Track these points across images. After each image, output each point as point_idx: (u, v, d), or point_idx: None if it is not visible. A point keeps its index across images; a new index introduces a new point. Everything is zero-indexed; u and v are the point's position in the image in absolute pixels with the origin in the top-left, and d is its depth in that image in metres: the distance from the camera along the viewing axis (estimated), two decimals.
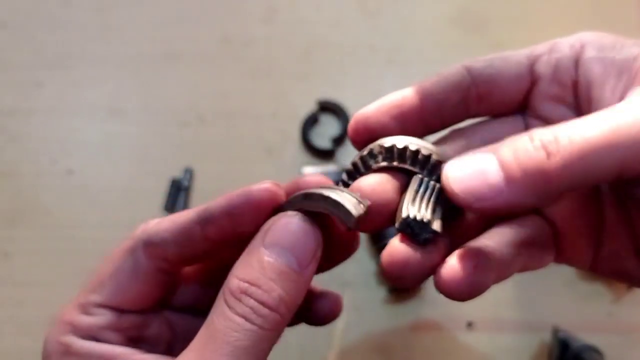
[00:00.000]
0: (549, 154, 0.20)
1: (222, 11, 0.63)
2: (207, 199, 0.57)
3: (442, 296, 0.56)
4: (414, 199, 0.25)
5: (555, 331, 0.50)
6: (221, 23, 0.62)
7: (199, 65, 0.61)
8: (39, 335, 0.53)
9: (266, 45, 0.62)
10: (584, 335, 0.49)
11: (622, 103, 0.20)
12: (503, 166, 0.21)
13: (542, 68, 0.23)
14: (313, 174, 0.27)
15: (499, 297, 0.54)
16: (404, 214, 0.25)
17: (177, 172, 0.57)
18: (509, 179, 0.21)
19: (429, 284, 0.54)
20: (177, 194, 0.56)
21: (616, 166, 0.20)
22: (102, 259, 0.26)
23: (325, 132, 0.59)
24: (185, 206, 0.56)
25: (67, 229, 0.56)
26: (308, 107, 0.59)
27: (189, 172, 0.57)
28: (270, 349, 0.23)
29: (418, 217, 0.24)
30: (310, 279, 0.23)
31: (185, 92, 0.60)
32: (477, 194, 0.21)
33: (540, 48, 0.24)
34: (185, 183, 0.57)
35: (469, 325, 0.53)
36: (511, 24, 0.62)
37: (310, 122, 0.58)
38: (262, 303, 0.22)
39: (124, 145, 0.59)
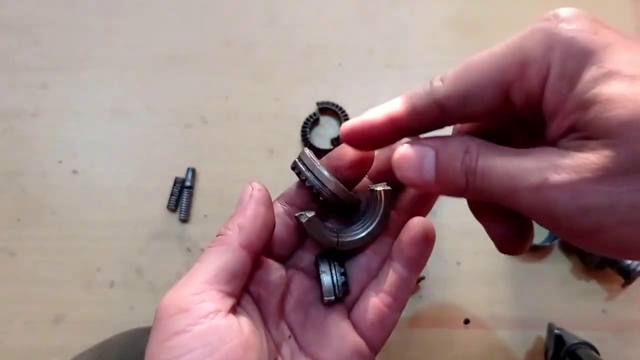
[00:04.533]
0: (467, 182, 0.24)
1: (225, 15, 0.64)
2: (210, 198, 0.58)
3: (439, 294, 0.57)
4: None
5: (551, 328, 0.51)
6: (224, 27, 0.63)
7: (202, 68, 0.62)
8: (44, 333, 0.54)
9: (267, 49, 0.62)
10: (578, 332, 0.50)
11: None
12: (437, 169, 0.25)
13: (516, 97, 0.24)
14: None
15: (496, 294, 0.55)
16: None
17: (180, 172, 0.58)
18: (438, 181, 0.25)
19: (428, 282, 0.54)
20: (181, 194, 0.57)
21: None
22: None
23: (325, 132, 0.60)
24: (188, 206, 0.57)
25: (72, 228, 0.57)
26: (308, 108, 0.60)
27: (192, 172, 0.58)
28: (231, 264, 0.27)
29: None
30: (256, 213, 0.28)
31: (189, 94, 0.61)
32: (412, 182, 0.26)
33: (512, 68, 0.25)
34: (189, 183, 0.57)
35: (466, 322, 0.54)
36: (507, 27, 0.62)
37: (311, 123, 0.59)
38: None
39: (128, 145, 0.60)
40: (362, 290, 0.31)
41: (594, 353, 0.47)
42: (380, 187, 0.30)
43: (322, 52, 0.62)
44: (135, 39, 0.63)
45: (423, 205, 0.32)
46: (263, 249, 0.29)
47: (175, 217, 0.57)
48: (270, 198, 0.29)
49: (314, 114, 0.59)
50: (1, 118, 0.60)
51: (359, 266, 0.32)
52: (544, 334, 0.52)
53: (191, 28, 0.63)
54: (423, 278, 0.54)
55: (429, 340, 0.54)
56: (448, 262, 0.56)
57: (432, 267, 0.55)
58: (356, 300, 0.31)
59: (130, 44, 0.63)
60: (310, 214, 0.29)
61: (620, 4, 0.63)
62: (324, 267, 0.30)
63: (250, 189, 0.29)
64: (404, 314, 0.54)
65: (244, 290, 0.29)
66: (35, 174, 0.59)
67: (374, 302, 0.30)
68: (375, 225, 0.31)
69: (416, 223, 0.30)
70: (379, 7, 0.64)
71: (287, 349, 0.30)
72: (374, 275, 0.31)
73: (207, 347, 0.24)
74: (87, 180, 0.58)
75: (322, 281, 0.30)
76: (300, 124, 0.59)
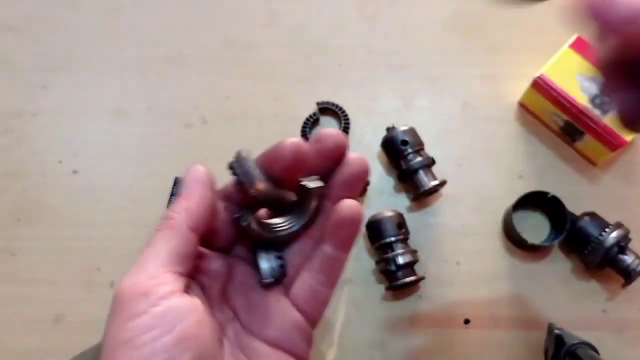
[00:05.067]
0: None
1: (224, 15, 0.64)
2: None
3: (439, 294, 0.58)
4: None
5: (551, 328, 0.51)
6: (223, 27, 0.63)
7: (202, 68, 0.62)
8: (45, 333, 0.54)
9: (267, 48, 0.63)
10: (578, 332, 0.50)
11: None
12: None
13: None
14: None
15: (495, 294, 0.55)
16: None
17: (180, 172, 0.58)
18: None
19: (428, 282, 0.54)
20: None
21: None
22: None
23: None
24: None
25: (72, 228, 0.57)
26: (308, 108, 0.60)
27: None
28: (177, 247, 0.29)
29: None
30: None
31: (188, 94, 0.61)
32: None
33: None
34: None
35: (466, 322, 0.54)
36: (507, 27, 0.62)
37: (311, 123, 0.59)
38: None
39: (128, 145, 0.60)
40: (298, 272, 0.33)
41: (594, 353, 0.47)
42: (311, 184, 0.31)
43: (322, 52, 0.62)
44: (135, 39, 0.63)
45: (351, 191, 0.33)
46: (208, 231, 0.30)
47: None
48: (214, 182, 0.31)
49: (314, 114, 0.59)
50: (1, 118, 0.61)
51: (294, 250, 0.34)
52: (543, 334, 0.52)
53: (191, 28, 0.63)
54: (423, 278, 0.54)
55: (429, 340, 0.54)
56: (448, 262, 0.56)
57: (432, 267, 0.55)
58: (293, 281, 0.33)
59: (130, 44, 0.63)
60: (248, 217, 0.31)
61: None
62: (261, 254, 0.33)
63: (197, 171, 0.31)
64: (404, 313, 0.54)
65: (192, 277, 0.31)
66: (35, 174, 0.59)
67: (308, 281, 0.32)
68: (308, 220, 0.33)
69: (343, 207, 0.31)
70: (379, 7, 0.64)
71: (231, 330, 0.32)
72: (309, 257, 0.33)
73: (166, 326, 0.26)
74: (87, 180, 0.59)
75: (260, 267, 0.32)
76: (300, 124, 0.59)
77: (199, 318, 0.28)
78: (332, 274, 0.33)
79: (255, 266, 0.33)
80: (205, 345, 0.27)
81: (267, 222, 0.33)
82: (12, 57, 0.63)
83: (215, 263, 0.32)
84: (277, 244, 0.33)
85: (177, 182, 0.58)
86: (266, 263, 0.32)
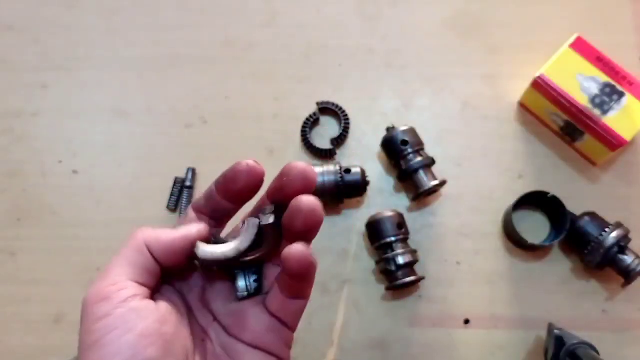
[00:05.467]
0: None
1: (224, 15, 0.64)
2: None
3: (439, 294, 0.58)
4: None
5: (551, 328, 0.51)
6: (223, 26, 0.63)
7: (202, 68, 0.62)
8: (45, 333, 0.54)
9: (267, 48, 0.63)
10: (578, 332, 0.50)
11: None
12: None
13: None
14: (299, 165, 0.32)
15: (496, 294, 0.55)
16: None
17: (180, 172, 0.58)
18: None
19: (428, 282, 0.54)
20: (181, 194, 0.57)
21: None
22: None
23: (325, 132, 0.60)
24: (188, 206, 0.57)
25: (72, 228, 0.57)
26: (308, 108, 0.60)
27: (192, 172, 0.58)
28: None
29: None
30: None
31: (188, 93, 0.61)
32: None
33: None
34: (189, 183, 0.57)
35: (466, 322, 0.54)
36: (506, 27, 0.62)
37: (311, 123, 0.59)
38: None
39: (128, 145, 0.60)
40: (274, 284, 0.35)
41: (594, 353, 0.47)
42: (263, 220, 0.32)
43: (322, 52, 0.62)
44: (135, 39, 0.63)
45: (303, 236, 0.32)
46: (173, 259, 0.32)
47: (175, 217, 0.57)
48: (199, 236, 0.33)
49: (314, 114, 0.59)
50: (1, 118, 0.61)
51: (271, 264, 0.36)
52: (544, 334, 0.52)
53: (191, 28, 0.63)
54: (423, 278, 0.54)
55: (429, 340, 0.54)
56: (448, 262, 0.56)
57: (432, 267, 0.55)
58: (269, 291, 0.35)
59: (130, 44, 0.63)
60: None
61: (620, 4, 0.63)
62: (238, 271, 0.34)
63: (193, 228, 0.33)
64: (404, 313, 0.54)
65: (169, 284, 0.34)
66: (35, 174, 0.59)
67: (279, 295, 0.34)
68: (270, 248, 0.34)
69: (290, 256, 0.30)
70: (379, 7, 0.64)
71: (213, 331, 0.34)
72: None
73: (127, 325, 0.28)
74: (87, 180, 0.59)
75: (236, 283, 0.34)
76: (300, 124, 0.59)
77: (162, 317, 0.30)
78: (299, 293, 0.34)
79: (233, 280, 0.35)
80: (171, 341, 0.30)
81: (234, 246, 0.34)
82: (11, 57, 0.63)
83: (192, 274, 0.35)
84: (246, 266, 0.35)
85: (177, 182, 0.58)
86: (242, 280, 0.34)
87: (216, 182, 0.34)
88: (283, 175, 0.32)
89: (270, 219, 0.32)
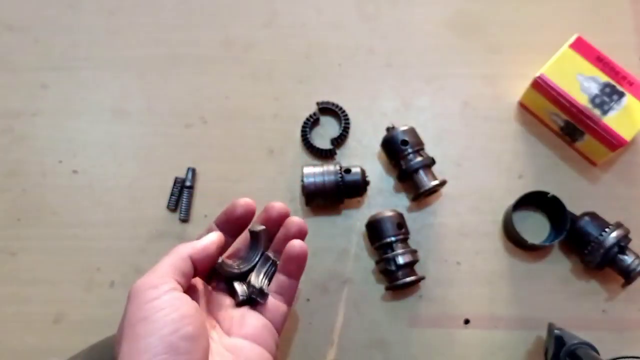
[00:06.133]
0: None
1: (224, 15, 0.64)
2: (210, 198, 0.58)
3: (439, 294, 0.58)
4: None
5: (551, 328, 0.51)
6: (223, 27, 0.63)
7: (202, 68, 0.62)
8: (44, 333, 0.54)
9: (267, 48, 0.63)
10: (578, 332, 0.50)
11: None
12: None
13: None
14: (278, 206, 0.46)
15: (496, 294, 0.55)
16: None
17: (180, 172, 0.58)
18: None
19: (428, 282, 0.55)
20: (181, 194, 0.57)
21: None
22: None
23: (325, 132, 0.60)
24: (188, 205, 0.57)
25: (72, 228, 0.57)
26: (308, 108, 0.60)
27: (192, 172, 0.58)
28: None
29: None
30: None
31: (189, 94, 0.61)
32: None
33: None
34: (189, 183, 0.57)
35: (466, 322, 0.54)
36: (507, 26, 0.62)
37: (311, 123, 0.59)
38: None
39: (128, 145, 0.60)
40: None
41: (594, 353, 0.47)
42: (256, 228, 0.45)
43: (322, 52, 0.62)
44: (135, 39, 0.63)
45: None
46: (203, 266, 0.42)
47: (175, 217, 0.57)
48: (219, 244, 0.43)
49: (314, 114, 0.59)
50: (1, 118, 0.61)
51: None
52: (544, 334, 0.52)
53: (191, 28, 0.63)
54: (423, 278, 0.54)
55: (429, 340, 0.54)
56: (448, 262, 0.56)
57: (432, 267, 0.55)
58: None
59: (130, 44, 0.63)
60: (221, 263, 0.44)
61: (620, 4, 0.63)
62: (235, 282, 0.44)
63: (213, 238, 0.42)
64: (404, 313, 0.54)
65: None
66: (35, 174, 0.59)
67: (271, 299, 0.44)
68: (259, 258, 0.46)
69: (291, 245, 0.44)
70: (379, 7, 0.64)
71: (215, 334, 0.41)
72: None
73: (172, 307, 0.36)
74: (87, 180, 0.59)
75: (235, 290, 0.44)
76: (300, 124, 0.59)
77: (195, 306, 0.38)
78: (286, 294, 0.44)
79: (231, 292, 0.44)
80: (201, 326, 0.37)
81: (228, 262, 0.45)
82: (11, 57, 0.63)
83: (199, 285, 0.43)
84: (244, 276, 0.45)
85: (177, 182, 0.58)
86: (240, 287, 0.44)
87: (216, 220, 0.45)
88: (267, 211, 0.46)
89: (262, 227, 0.45)
